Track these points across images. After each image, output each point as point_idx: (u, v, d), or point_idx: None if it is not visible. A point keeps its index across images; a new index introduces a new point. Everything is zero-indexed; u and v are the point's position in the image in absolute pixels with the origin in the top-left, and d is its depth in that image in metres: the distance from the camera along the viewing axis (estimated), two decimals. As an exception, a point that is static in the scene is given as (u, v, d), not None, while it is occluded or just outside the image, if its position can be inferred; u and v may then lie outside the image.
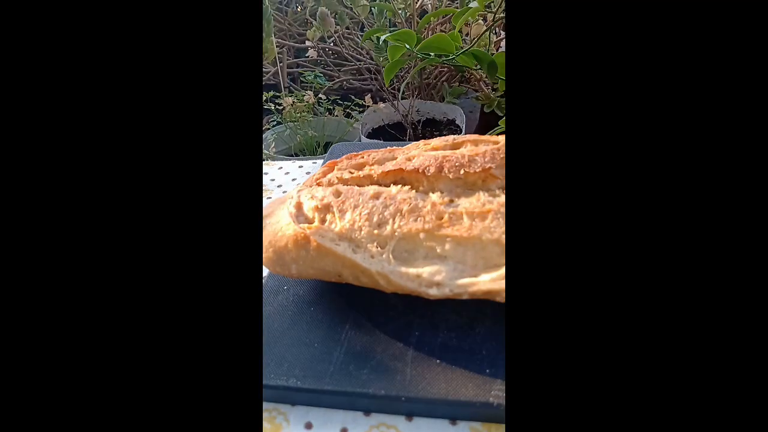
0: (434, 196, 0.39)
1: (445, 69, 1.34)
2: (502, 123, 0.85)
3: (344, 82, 1.39)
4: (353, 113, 1.28)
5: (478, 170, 0.40)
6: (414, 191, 0.40)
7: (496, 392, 0.35)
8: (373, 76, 1.36)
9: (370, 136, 1.24)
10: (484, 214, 0.37)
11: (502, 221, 0.37)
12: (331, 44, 1.42)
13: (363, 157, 0.46)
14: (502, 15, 0.94)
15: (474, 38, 0.97)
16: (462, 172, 0.40)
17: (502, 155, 0.41)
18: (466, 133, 1.29)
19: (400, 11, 1.30)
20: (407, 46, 0.97)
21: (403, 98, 1.24)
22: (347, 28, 1.38)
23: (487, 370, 0.36)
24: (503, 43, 1.34)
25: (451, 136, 0.45)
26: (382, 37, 1.00)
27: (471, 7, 0.95)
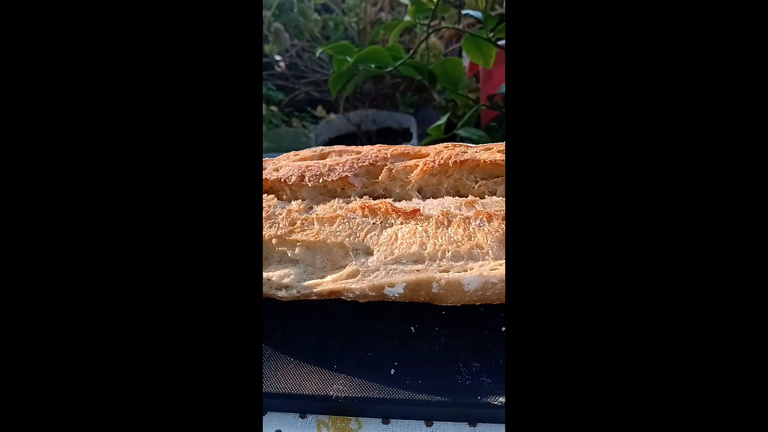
0: (294, 204, 0.42)
1: (400, 79, 1.37)
2: (431, 130, 0.88)
3: (304, 94, 1.42)
4: (308, 125, 1.31)
5: (336, 179, 0.42)
6: (277, 199, 0.43)
7: (337, 386, 0.37)
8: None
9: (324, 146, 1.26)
10: (333, 219, 0.40)
11: (349, 224, 0.39)
12: (292, 56, 1.45)
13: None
14: (446, 26, 0.97)
15: (413, 50, 0.99)
16: (321, 180, 0.42)
17: (361, 164, 0.43)
18: (419, 142, 1.31)
19: (354, 24, 1.33)
20: (348, 59, 0.99)
21: (352, 109, 1.27)
22: (308, 40, 1.42)
23: (335, 366, 0.38)
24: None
25: (320, 147, 0.47)
26: (319, 50, 1.03)
27: (404, 21, 0.98)
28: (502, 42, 0.89)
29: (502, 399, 0.35)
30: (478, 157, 0.42)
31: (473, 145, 0.44)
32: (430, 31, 0.99)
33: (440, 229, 0.38)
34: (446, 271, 0.36)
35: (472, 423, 0.36)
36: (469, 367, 0.37)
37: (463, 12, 0.94)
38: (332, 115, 1.27)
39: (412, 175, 0.42)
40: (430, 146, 0.44)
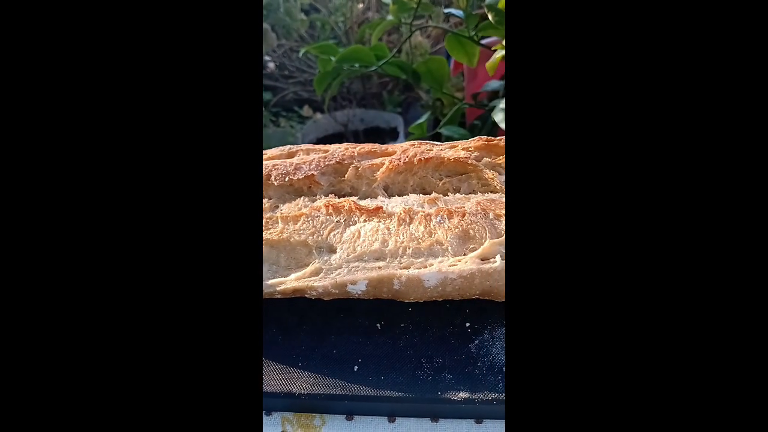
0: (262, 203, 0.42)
1: (388, 78, 1.37)
2: (413, 129, 0.88)
3: (292, 94, 1.42)
4: (295, 125, 1.31)
5: (302, 177, 0.43)
6: (244, 199, 0.43)
7: (301, 383, 0.37)
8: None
9: (313, 146, 1.27)
10: (297, 217, 0.40)
11: (313, 223, 0.39)
12: (280, 56, 1.45)
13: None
14: (428, 25, 0.98)
15: (397, 49, 1.00)
16: (287, 179, 0.43)
17: (328, 162, 0.43)
18: (405, 141, 1.31)
19: (341, 23, 1.34)
20: (332, 58, 1.00)
21: (339, 108, 1.28)
22: (296, 40, 1.42)
23: (300, 364, 0.39)
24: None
25: (288, 146, 0.47)
26: (303, 51, 1.03)
27: (386, 20, 0.98)
28: (485, 41, 0.90)
29: (462, 394, 0.35)
30: (442, 155, 0.42)
31: (439, 143, 0.44)
32: (413, 30, 0.99)
33: (402, 227, 0.38)
34: (407, 267, 0.36)
35: (434, 419, 0.37)
36: (431, 363, 0.37)
37: (445, 11, 0.94)
38: (318, 115, 1.27)
39: (378, 173, 0.43)
40: (397, 144, 0.45)
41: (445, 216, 0.38)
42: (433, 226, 0.37)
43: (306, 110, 1.25)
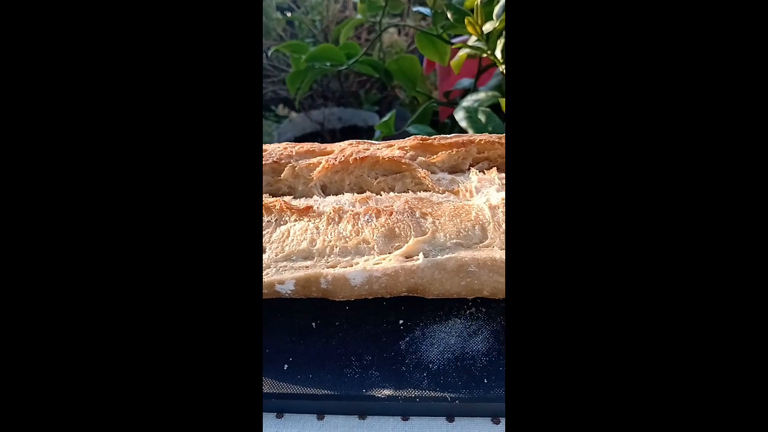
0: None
1: (366, 77, 1.37)
2: (379, 127, 0.88)
3: (271, 93, 1.42)
4: (271, 124, 1.31)
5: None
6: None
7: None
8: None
9: (290, 145, 1.27)
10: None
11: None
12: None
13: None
14: (393, 23, 0.98)
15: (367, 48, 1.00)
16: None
17: (266, 162, 0.44)
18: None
19: (318, 22, 1.34)
20: (303, 57, 1.00)
21: (317, 107, 1.28)
22: (274, 39, 1.42)
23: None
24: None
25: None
26: (272, 50, 1.03)
27: (356, 18, 0.98)
28: (455, 39, 0.90)
29: (386, 392, 0.35)
30: (378, 155, 0.42)
31: (377, 143, 0.45)
32: (383, 28, 0.99)
33: (331, 226, 0.38)
34: (333, 266, 0.37)
35: (362, 416, 0.37)
36: (360, 361, 0.38)
37: (414, 9, 0.95)
38: (294, 114, 1.27)
39: (314, 172, 0.43)
40: (336, 144, 0.45)
41: (373, 215, 0.38)
42: (361, 225, 0.38)
43: (281, 109, 1.26)
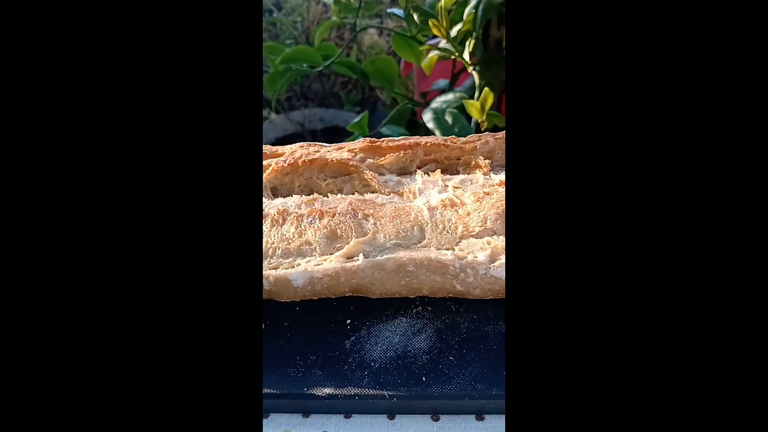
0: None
1: (348, 78, 1.38)
2: (351, 128, 0.89)
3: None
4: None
5: (190, 180, 0.43)
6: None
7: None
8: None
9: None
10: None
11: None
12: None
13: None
14: (370, 24, 0.99)
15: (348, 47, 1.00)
16: (175, 182, 0.43)
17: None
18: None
19: (299, 24, 1.34)
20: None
21: (297, 108, 1.28)
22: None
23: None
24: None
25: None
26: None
27: (330, 20, 0.99)
28: (431, 41, 0.90)
29: (327, 390, 0.36)
30: (326, 157, 0.43)
31: (328, 145, 0.45)
32: (358, 30, 1.00)
33: (275, 228, 0.39)
34: (276, 268, 0.37)
35: (305, 414, 0.37)
36: (305, 360, 0.38)
37: (388, 10, 0.95)
38: (273, 115, 1.27)
39: (264, 174, 0.43)
40: (287, 146, 0.45)
41: (317, 216, 0.39)
42: (304, 226, 0.38)
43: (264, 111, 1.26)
